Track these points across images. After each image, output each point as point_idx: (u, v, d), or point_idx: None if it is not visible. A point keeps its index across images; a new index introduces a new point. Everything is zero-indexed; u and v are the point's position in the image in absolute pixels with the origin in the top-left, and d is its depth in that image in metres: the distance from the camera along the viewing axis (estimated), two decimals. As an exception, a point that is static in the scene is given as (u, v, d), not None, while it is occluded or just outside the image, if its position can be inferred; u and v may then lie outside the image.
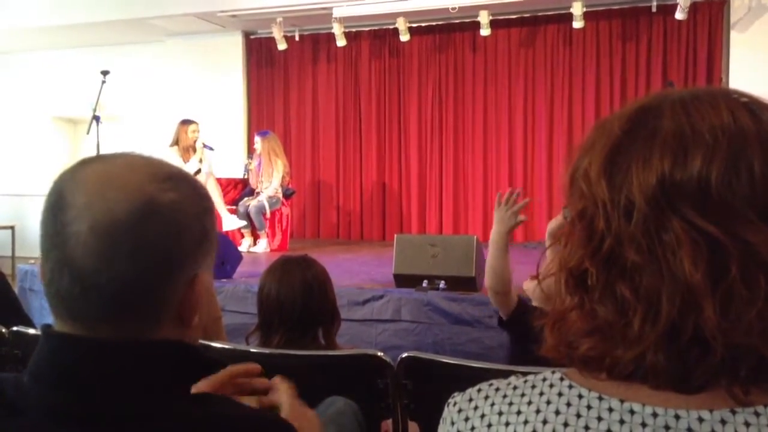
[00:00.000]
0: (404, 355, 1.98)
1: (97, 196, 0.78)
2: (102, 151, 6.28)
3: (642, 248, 0.60)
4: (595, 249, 0.63)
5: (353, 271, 5.36)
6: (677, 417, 0.60)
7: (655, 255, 0.59)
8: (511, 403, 0.69)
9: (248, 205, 6.93)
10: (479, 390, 0.73)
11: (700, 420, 0.60)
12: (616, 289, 0.62)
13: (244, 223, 6.95)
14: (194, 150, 6.71)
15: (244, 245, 6.81)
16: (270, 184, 7.03)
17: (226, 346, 2.11)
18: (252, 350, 2.07)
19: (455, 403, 0.74)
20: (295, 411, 1.04)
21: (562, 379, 0.68)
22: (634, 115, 0.66)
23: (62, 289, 0.78)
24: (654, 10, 7.18)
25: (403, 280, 4.44)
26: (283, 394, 1.06)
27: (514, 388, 0.70)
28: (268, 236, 6.96)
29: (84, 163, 0.84)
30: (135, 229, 0.78)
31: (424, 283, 4.33)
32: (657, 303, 0.59)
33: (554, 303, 0.68)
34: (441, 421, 0.76)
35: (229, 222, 6.72)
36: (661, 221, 0.59)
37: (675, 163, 0.60)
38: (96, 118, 6.47)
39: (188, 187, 0.84)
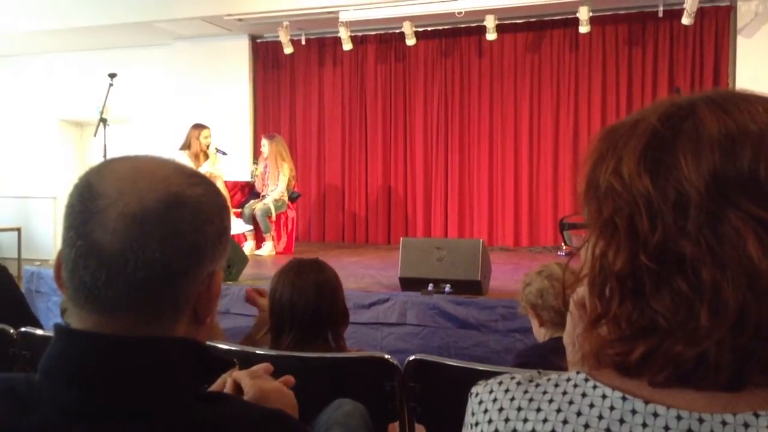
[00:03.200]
0: (411, 357, 1.98)
1: (127, 185, 0.80)
2: (109, 154, 6.30)
3: (699, 241, 0.60)
4: (643, 246, 0.62)
5: (359, 275, 5.36)
6: (701, 420, 0.60)
7: (713, 247, 0.59)
8: (531, 399, 0.68)
9: (254, 208, 6.94)
10: (501, 382, 0.72)
11: (724, 423, 0.60)
12: (672, 285, 0.61)
13: (249, 227, 6.96)
14: (206, 155, 6.75)
15: (246, 248, 6.82)
16: (276, 187, 7.05)
17: (233, 348, 2.12)
18: (258, 352, 2.07)
19: (477, 394, 0.74)
20: (260, 388, 1.04)
21: (587, 380, 0.67)
22: (669, 112, 0.66)
23: (87, 277, 0.79)
24: (660, 15, 7.18)
25: (408, 284, 4.44)
26: (243, 377, 1.06)
27: (537, 385, 0.70)
28: (273, 239, 6.97)
29: (111, 160, 0.86)
30: (164, 218, 0.80)
31: (430, 287, 4.32)
32: (722, 295, 0.59)
33: (589, 310, 0.67)
34: (466, 410, 0.76)
35: (234, 226, 6.73)
36: (717, 213, 0.60)
37: (725, 157, 0.61)
38: (103, 121, 6.49)
39: (210, 184, 0.87)
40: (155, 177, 0.81)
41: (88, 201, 0.80)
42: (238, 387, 1.07)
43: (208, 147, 6.76)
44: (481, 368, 1.89)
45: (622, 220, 0.64)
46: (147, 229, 0.79)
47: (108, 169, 0.83)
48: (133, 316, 0.80)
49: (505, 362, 3.37)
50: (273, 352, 2.09)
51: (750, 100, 0.65)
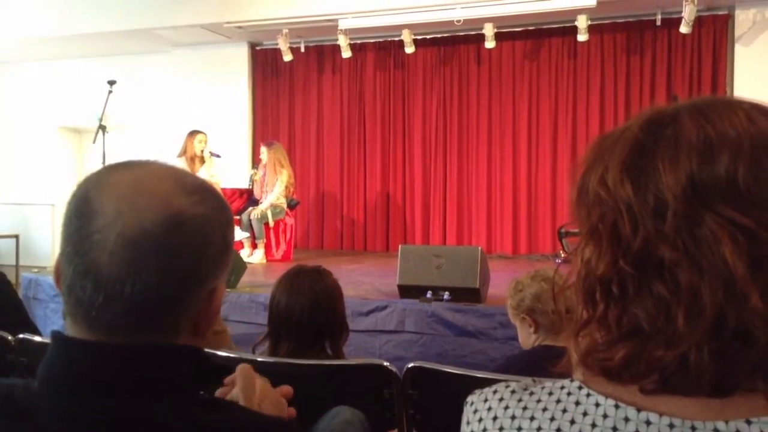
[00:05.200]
0: (410, 365, 1.98)
1: (126, 204, 0.78)
2: (108, 162, 6.30)
3: (677, 245, 0.60)
4: (625, 251, 0.63)
5: (357, 282, 5.35)
6: (693, 428, 0.60)
7: (691, 251, 0.60)
8: (525, 408, 0.68)
9: (251, 215, 6.94)
10: (495, 391, 0.73)
11: (716, 431, 0.60)
12: (652, 289, 0.62)
13: (246, 234, 6.95)
14: (201, 160, 6.75)
15: (243, 255, 6.81)
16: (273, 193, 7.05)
17: (232, 355, 2.12)
18: (258, 359, 2.07)
19: (472, 403, 0.74)
20: (249, 392, 1.01)
21: (580, 388, 0.67)
22: (652, 120, 0.67)
23: (84, 297, 0.78)
24: (658, 23, 7.20)
25: (407, 291, 4.44)
26: (238, 379, 1.04)
27: (531, 393, 0.70)
28: (266, 247, 6.96)
29: (110, 170, 0.83)
30: (163, 241, 0.78)
31: (428, 294, 4.32)
32: (699, 298, 0.59)
33: (576, 316, 0.68)
34: (462, 419, 0.76)
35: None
36: (694, 217, 0.60)
37: (703, 162, 0.61)
38: (102, 128, 6.50)
39: (213, 199, 0.84)
40: (155, 195, 0.79)
41: (85, 217, 0.78)
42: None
43: (202, 152, 6.77)
44: (479, 375, 1.89)
45: (606, 226, 0.65)
46: (145, 253, 0.77)
47: (107, 182, 0.81)
48: (130, 335, 0.79)
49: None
50: (272, 359, 2.09)
51: (733, 106, 0.65)
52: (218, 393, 1.03)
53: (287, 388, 1.10)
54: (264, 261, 6.84)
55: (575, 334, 0.68)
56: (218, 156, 6.89)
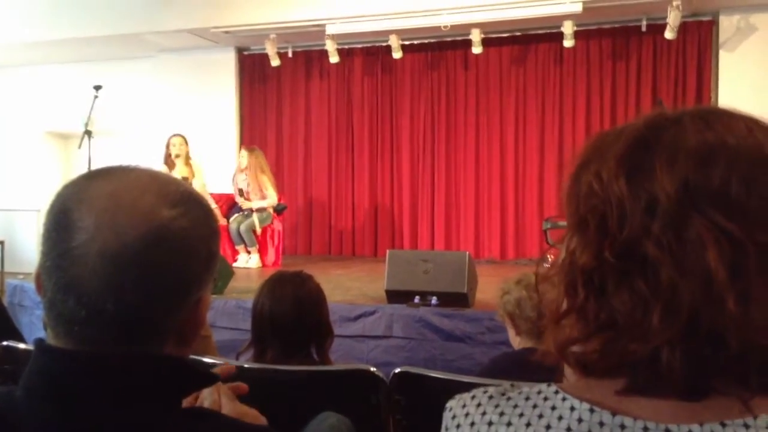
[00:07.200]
0: (397, 370, 1.98)
1: (106, 219, 0.76)
2: (93, 166, 6.27)
3: (662, 243, 0.61)
4: (610, 244, 0.64)
5: (345, 287, 5.36)
6: (667, 431, 0.61)
7: (675, 250, 0.61)
8: (502, 413, 0.68)
9: (239, 223, 6.93)
10: (473, 396, 0.73)
11: None
12: (632, 284, 0.62)
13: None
14: (174, 164, 6.72)
15: (241, 261, 6.84)
16: (266, 199, 7.04)
17: (218, 362, 2.11)
18: (245, 365, 2.06)
19: (450, 408, 0.74)
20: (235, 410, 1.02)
21: (557, 393, 0.68)
22: (656, 120, 0.68)
23: (66, 312, 0.77)
24: (644, 29, 7.26)
25: (395, 296, 4.44)
26: (226, 403, 1.04)
27: (508, 398, 0.70)
28: (260, 252, 6.97)
29: (89, 179, 0.81)
30: (144, 256, 0.76)
31: (416, 299, 4.33)
32: (677, 297, 0.60)
33: (555, 302, 0.69)
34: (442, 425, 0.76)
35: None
36: (683, 219, 0.61)
37: (699, 166, 0.63)
38: (88, 133, 6.48)
39: (198, 209, 0.82)
40: (136, 209, 0.77)
41: (64, 231, 0.77)
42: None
43: (169, 156, 6.75)
44: (466, 380, 1.89)
45: (594, 218, 0.66)
46: (126, 269, 0.75)
47: (86, 194, 0.79)
48: (114, 347, 0.78)
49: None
50: (257, 366, 2.08)
51: (735, 116, 0.67)
52: None
53: (239, 386, 1.10)
54: (260, 265, 6.87)
55: (552, 324, 0.69)
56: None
